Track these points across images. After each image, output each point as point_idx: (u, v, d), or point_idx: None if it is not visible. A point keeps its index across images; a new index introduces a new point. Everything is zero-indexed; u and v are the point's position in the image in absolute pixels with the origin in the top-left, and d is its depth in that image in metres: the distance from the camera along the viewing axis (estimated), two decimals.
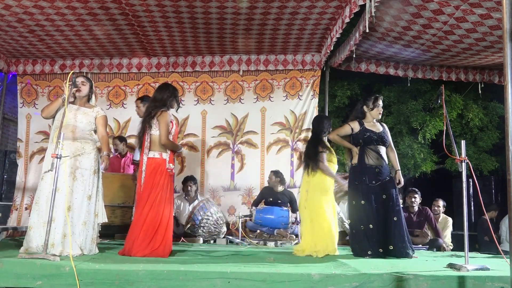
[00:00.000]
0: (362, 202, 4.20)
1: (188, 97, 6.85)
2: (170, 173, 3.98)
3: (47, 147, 4.00)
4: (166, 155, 3.96)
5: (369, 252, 4.05)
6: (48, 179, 3.65)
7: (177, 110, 4.23)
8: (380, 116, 4.43)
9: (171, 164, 3.98)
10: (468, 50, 5.80)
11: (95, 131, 3.99)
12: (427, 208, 6.06)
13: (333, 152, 4.67)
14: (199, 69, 6.80)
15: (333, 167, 4.63)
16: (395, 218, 4.12)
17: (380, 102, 4.43)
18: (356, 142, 4.37)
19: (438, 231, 5.92)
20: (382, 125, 4.48)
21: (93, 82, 4.15)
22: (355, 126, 4.39)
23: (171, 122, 4.01)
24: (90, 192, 3.81)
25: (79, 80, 3.90)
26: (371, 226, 4.11)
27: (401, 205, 4.35)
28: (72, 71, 3.79)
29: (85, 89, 3.94)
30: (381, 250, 4.08)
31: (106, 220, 4.00)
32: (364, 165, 4.26)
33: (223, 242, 5.70)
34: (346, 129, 4.43)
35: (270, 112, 6.76)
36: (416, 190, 6.07)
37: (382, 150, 4.33)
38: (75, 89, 3.81)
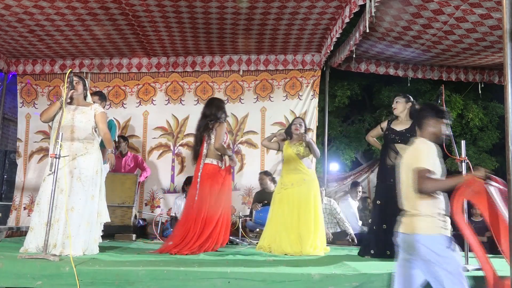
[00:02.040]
0: (378, 202, 4.19)
1: (188, 97, 6.85)
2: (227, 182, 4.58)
3: (47, 147, 4.01)
4: (221, 164, 4.53)
5: (372, 252, 4.04)
6: (50, 180, 3.64)
7: (224, 120, 4.67)
8: (396, 112, 4.30)
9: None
10: (468, 50, 5.80)
11: (96, 130, 3.98)
12: None
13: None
14: (199, 69, 6.80)
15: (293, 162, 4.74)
16: None
17: (395, 100, 4.36)
18: (384, 141, 4.35)
19: None
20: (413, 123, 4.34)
21: (86, 80, 4.19)
22: (384, 125, 4.38)
23: (226, 133, 4.68)
24: (93, 192, 3.81)
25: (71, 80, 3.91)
26: (384, 226, 4.04)
27: None
28: (70, 70, 3.78)
29: (79, 88, 3.95)
30: (388, 252, 3.95)
31: (109, 220, 4.00)
32: (385, 165, 4.19)
33: None
34: (377, 130, 4.47)
35: (270, 112, 6.76)
36: None
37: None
38: (72, 91, 3.82)
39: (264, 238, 4.65)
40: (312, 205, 4.56)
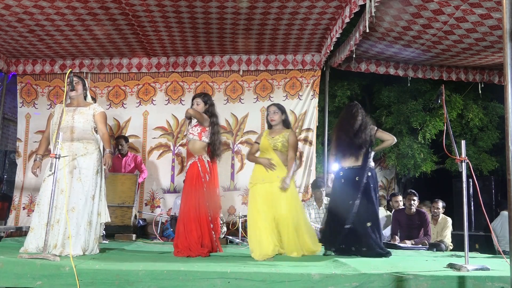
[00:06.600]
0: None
1: (188, 97, 6.84)
2: None
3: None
4: None
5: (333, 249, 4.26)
6: (51, 181, 3.64)
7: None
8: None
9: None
10: (468, 50, 5.80)
11: (96, 130, 3.98)
12: (426, 214, 6.01)
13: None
14: (199, 69, 6.80)
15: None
16: None
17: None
18: None
19: (429, 237, 5.89)
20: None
21: (86, 81, 4.18)
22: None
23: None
24: (93, 192, 3.81)
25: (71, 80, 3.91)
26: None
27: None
28: (70, 70, 3.79)
29: (79, 88, 3.95)
30: (353, 248, 4.21)
31: (109, 220, 4.00)
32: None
33: (223, 242, 5.68)
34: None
35: None
36: (414, 192, 6.02)
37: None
38: (72, 92, 3.82)
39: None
40: (287, 203, 4.10)
